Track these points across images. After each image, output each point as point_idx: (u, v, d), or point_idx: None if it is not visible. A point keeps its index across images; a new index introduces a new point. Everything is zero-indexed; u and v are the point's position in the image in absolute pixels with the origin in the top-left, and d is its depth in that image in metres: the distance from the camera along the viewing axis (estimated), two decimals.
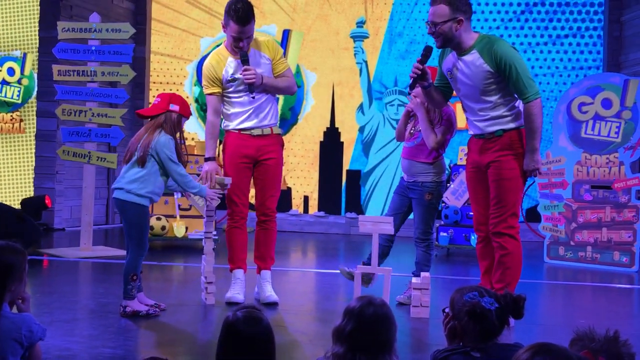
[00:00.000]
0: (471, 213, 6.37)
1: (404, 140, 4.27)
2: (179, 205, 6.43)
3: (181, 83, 8.91)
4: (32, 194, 7.58)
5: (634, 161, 6.15)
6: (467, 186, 3.87)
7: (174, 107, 3.67)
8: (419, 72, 3.57)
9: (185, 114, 3.73)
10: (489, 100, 3.51)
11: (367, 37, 8.70)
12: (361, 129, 8.67)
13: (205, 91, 4.05)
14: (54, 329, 3.28)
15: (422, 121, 4.04)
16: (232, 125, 4.02)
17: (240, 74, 3.89)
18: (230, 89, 3.98)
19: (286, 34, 8.71)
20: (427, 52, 3.58)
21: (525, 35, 8.52)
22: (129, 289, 3.59)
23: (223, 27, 3.92)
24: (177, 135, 3.72)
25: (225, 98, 4.03)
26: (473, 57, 3.48)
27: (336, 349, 1.86)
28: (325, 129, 8.75)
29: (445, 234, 6.58)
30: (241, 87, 3.94)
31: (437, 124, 4.06)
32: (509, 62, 3.40)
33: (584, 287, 5.39)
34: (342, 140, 8.71)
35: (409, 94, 3.95)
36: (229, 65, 3.95)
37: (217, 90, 3.99)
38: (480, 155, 3.61)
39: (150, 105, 3.75)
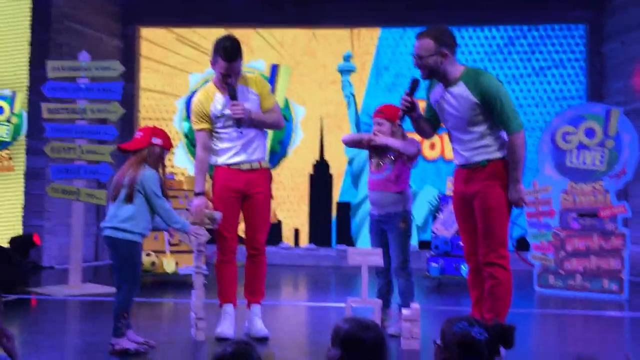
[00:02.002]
0: (461, 243, 6.41)
1: (347, 146, 4.39)
2: (168, 241, 6.41)
3: (170, 118, 8.97)
4: (20, 232, 7.54)
5: (619, 189, 6.23)
6: (454, 217, 3.91)
7: (157, 141, 3.69)
8: (408, 105, 3.64)
9: (167, 146, 3.76)
10: (476, 130, 3.57)
11: (354, 71, 8.84)
12: (350, 162, 8.73)
13: (195, 127, 4.09)
14: None
15: (393, 142, 4.10)
16: (221, 160, 4.06)
17: (229, 109, 3.94)
18: (219, 125, 4.02)
19: (274, 68, 8.83)
20: (415, 84, 3.66)
21: (509, 67, 8.68)
22: (119, 327, 3.56)
23: (211, 64, 3.98)
24: (160, 169, 3.73)
25: (214, 134, 4.07)
26: (460, 89, 3.55)
27: None
28: (314, 162, 8.81)
29: (435, 265, 6.58)
30: (229, 123, 3.99)
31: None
32: (494, 95, 3.47)
33: (575, 316, 5.39)
34: (331, 172, 8.77)
35: (400, 125, 4.01)
36: (217, 101, 4.01)
37: (206, 126, 4.04)
38: (466, 185, 3.66)
39: (132, 140, 3.76)
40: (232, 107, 3.90)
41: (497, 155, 3.58)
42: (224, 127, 4.01)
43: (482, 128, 3.56)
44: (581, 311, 5.48)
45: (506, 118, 3.49)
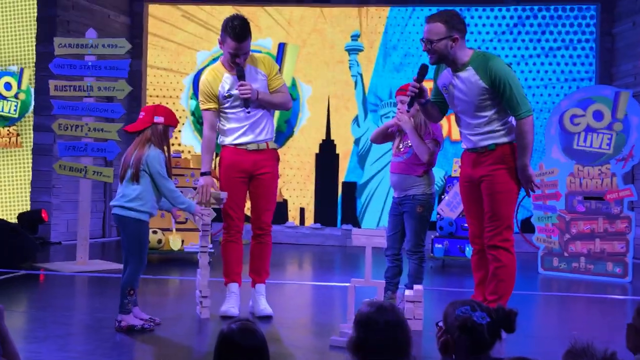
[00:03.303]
0: (466, 225, 6.42)
1: (377, 143, 4.36)
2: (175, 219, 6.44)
3: (177, 96, 8.96)
4: (28, 208, 7.60)
5: (626, 172, 6.21)
6: (457, 192, 3.91)
7: (159, 119, 3.69)
8: (417, 91, 3.62)
9: (171, 123, 3.76)
10: (484, 115, 3.56)
11: (361, 50, 8.78)
12: (357, 141, 8.72)
13: (202, 107, 4.09)
14: (48, 344, 3.30)
15: (412, 136, 4.08)
16: (228, 140, 4.06)
17: (236, 89, 3.93)
18: (226, 105, 4.02)
19: (282, 47, 8.78)
20: (423, 70, 3.64)
21: (519, 48, 8.60)
22: (125, 303, 3.61)
23: (220, 43, 3.97)
24: (165, 147, 3.73)
25: (221, 114, 4.07)
26: (468, 73, 3.53)
27: None
28: (320, 142, 8.80)
29: (440, 246, 6.61)
30: (237, 103, 3.99)
31: (425, 138, 4.11)
32: (503, 79, 3.46)
33: (578, 299, 5.42)
34: (337, 152, 8.76)
35: (408, 111, 3.99)
36: (225, 81, 4.00)
37: (213, 105, 4.04)
38: (473, 169, 3.66)
39: (136, 121, 3.78)
40: (239, 87, 3.90)
41: (505, 139, 3.57)
42: (231, 107, 4.01)
43: (490, 113, 3.55)
44: (584, 294, 5.50)
45: (515, 103, 3.48)
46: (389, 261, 4.22)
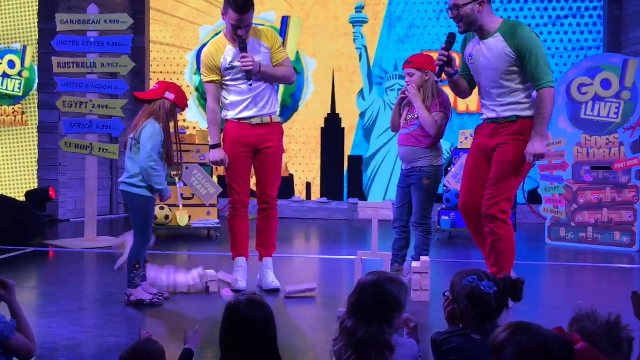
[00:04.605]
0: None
1: (399, 129, 4.29)
2: (181, 195, 6.47)
3: (181, 72, 8.91)
4: (36, 186, 7.63)
5: (634, 141, 6.15)
6: (464, 164, 3.88)
7: (169, 96, 3.67)
8: (445, 59, 3.59)
9: (180, 104, 3.73)
10: (508, 85, 3.54)
11: (366, 22, 8.68)
12: (362, 115, 8.67)
13: (204, 79, 4.07)
14: (61, 319, 3.34)
15: (420, 109, 4.06)
16: (231, 114, 4.05)
17: (238, 61, 3.90)
18: (228, 78, 4.00)
19: (285, 20, 8.69)
20: (452, 38, 3.61)
21: (525, 17, 8.47)
22: (132, 278, 3.64)
23: (222, 15, 3.93)
24: (172, 124, 3.71)
25: (223, 87, 4.05)
26: (496, 40, 3.51)
27: (351, 318, 1.95)
28: (326, 115, 8.76)
29: (446, 218, 6.60)
30: (239, 75, 3.96)
31: (433, 111, 4.08)
32: (529, 48, 3.44)
33: (585, 268, 5.42)
34: (343, 126, 8.72)
35: (437, 81, 3.95)
36: (227, 53, 3.97)
37: (216, 78, 4.02)
38: (490, 138, 3.63)
39: (149, 90, 3.77)
40: (241, 59, 3.87)
41: (528, 113, 3.55)
42: (233, 79, 3.99)
43: (514, 83, 3.53)
44: (592, 264, 5.51)
45: (540, 72, 3.46)
46: (397, 233, 4.23)
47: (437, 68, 3.63)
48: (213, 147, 4.02)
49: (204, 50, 4.08)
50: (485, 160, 3.66)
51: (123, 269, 3.76)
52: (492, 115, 3.63)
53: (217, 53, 3.99)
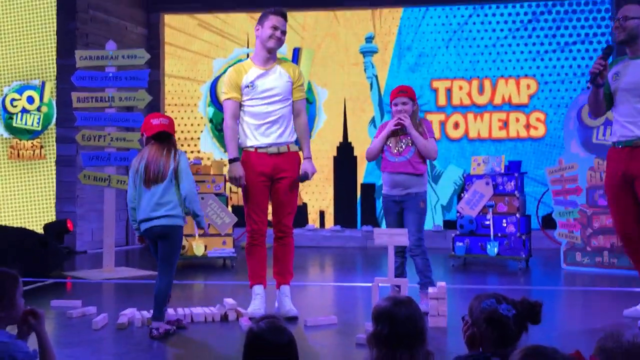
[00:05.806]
0: (487, 222, 6.42)
1: (374, 159, 4.46)
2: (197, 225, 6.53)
3: (195, 104, 9.08)
4: (54, 218, 7.75)
5: None
6: (608, 199, 3.91)
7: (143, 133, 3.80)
8: (601, 68, 3.71)
9: (141, 132, 3.81)
10: None
11: (376, 52, 8.82)
12: None
13: (224, 97, 4.15)
14: (83, 348, 3.38)
15: (417, 137, 4.24)
16: (249, 142, 4.11)
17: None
18: (247, 97, 4.08)
19: (297, 52, 8.86)
20: (609, 50, 3.77)
21: (534, 44, 8.59)
22: (163, 311, 3.66)
23: (256, 30, 4.12)
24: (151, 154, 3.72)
25: (240, 111, 4.12)
26: None
27: (376, 353, 1.93)
28: (338, 144, 8.85)
29: (461, 244, 6.61)
30: (257, 95, 4.06)
31: (424, 138, 4.24)
32: None
33: (602, 292, 5.39)
34: (355, 154, 8.81)
35: (588, 88, 4.05)
36: (250, 73, 4.10)
37: (235, 95, 4.11)
38: (629, 162, 3.71)
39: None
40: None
41: None
42: (251, 99, 4.07)
43: None
44: (609, 287, 5.48)
45: None
46: (397, 257, 4.27)
47: (591, 75, 3.75)
48: (231, 161, 4.08)
49: (228, 70, 4.24)
50: (627, 186, 3.72)
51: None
52: (628, 133, 3.72)
53: (240, 73, 4.12)
